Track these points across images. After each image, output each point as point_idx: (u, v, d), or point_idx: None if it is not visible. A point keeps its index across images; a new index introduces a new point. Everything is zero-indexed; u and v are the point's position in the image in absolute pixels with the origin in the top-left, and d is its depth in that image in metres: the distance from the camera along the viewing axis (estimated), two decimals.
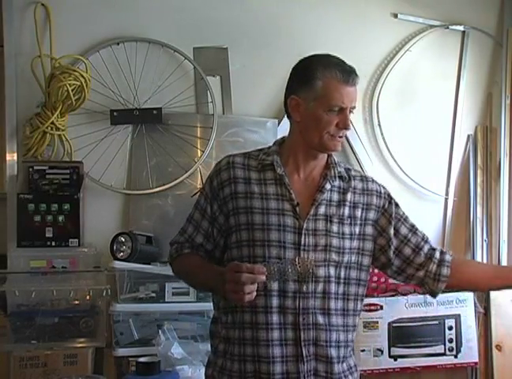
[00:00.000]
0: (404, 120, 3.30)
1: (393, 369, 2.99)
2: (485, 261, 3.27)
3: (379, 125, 3.24)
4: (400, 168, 3.25)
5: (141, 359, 2.38)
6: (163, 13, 3.00)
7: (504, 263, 3.28)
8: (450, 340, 3.04)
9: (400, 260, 1.77)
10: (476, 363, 3.09)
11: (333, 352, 1.65)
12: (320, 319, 1.63)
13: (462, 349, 3.04)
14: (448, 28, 3.36)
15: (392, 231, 1.76)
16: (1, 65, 2.86)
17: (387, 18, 3.29)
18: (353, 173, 1.78)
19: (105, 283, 2.60)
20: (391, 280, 3.08)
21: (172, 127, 2.96)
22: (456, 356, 3.04)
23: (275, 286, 1.60)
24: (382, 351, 2.98)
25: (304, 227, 1.63)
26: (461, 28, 3.37)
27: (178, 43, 2.98)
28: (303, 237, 1.62)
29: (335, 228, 1.66)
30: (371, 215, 1.74)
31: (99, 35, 2.92)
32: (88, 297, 2.62)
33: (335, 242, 1.65)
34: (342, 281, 1.67)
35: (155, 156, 2.94)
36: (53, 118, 2.74)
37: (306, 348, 1.61)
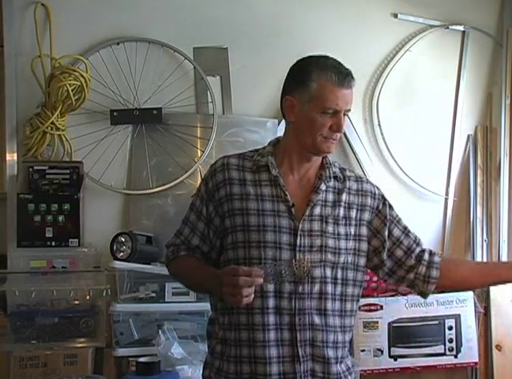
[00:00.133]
0: (404, 120, 3.30)
1: (393, 369, 2.99)
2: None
3: (379, 125, 3.24)
4: (400, 168, 3.25)
5: (141, 359, 2.38)
6: (163, 13, 3.00)
7: None
8: (450, 340, 3.04)
9: (391, 261, 1.77)
10: (476, 363, 3.09)
11: (331, 353, 1.65)
12: (316, 319, 1.63)
13: (462, 349, 3.04)
14: (448, 28, 3.36)
15: (386, 233, 1.76)
16: (1, 65, 2.86)
17: (387, 18, 3.29)
18: (348, 173, 1.77)
19: (105, 283, 2.61)
20: None
21: (172, 127, 2.96)
22: (456, 356, 3.04)
23: (271, 287, 1.60)
24: (382, 351, 2.98)
25: (300, 227, 1.63)
26: (461, 28, 3.37)
27: (178, 43, 2.98)
28: (298, 238, 1.62)
29: (330, 229, 1.66)
30: (366, 216, 1.74)
31: (99, 35, 2.92)
32: (88, 297, 2.62)
33: (330, 242, 1.65)
34: (339, 282, 1.67)
35: (155, 156, 2.94)
36: (53, 118, 2.74)
37: (303, 349, 1.61)
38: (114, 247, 2.67)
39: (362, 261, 1.74)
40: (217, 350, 1.68)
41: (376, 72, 3.28)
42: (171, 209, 2.90)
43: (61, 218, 2.71)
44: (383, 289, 3.01)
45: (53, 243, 2.69)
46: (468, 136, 3.40)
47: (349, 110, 1.67)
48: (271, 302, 1.61)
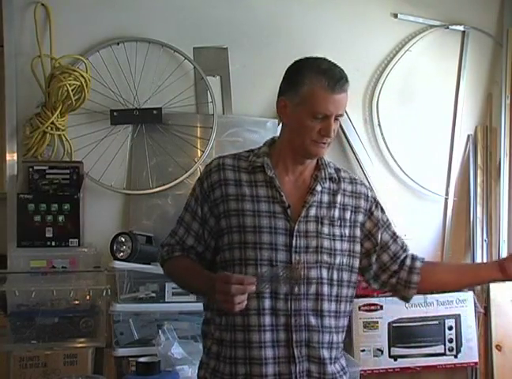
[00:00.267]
0: (404, 120, 3.30)
1: (393, 369, 2.99)
2: (485, 261, 3.27)
3: (379, 125, 3.24)
4: (400, 168, 3.25)
5: (141, 359, 2.38)
6: (163, 13, 3.00)
7: None
8: (450, 340, 3.04)
9: (377, 265, 1.78)
10: (476, 363, 3.09)
11: (326, 353, 1.65)
12: (312, 320, 1.63)
13: (462, 349, 3.04)
14: (448, 28, 3.36)
15: (379, 236, 1.77)
16: (1, 65, 2.87)
17: (387, 18, 3.29)
18: (343, 174, 1.77)
19: (105, 283, 2.61)
20: None
21: (172, 127, 2.96)
22: (456, 356, 3.04)
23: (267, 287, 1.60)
24: (382, 351, 2.98)
25: (295, 229, 1.63)
26: (461, 28, 3.37)
27: (178, 43, 2.98)
28: (294, 239, 1.62)
29: (326, 230, 1.66)
30: (360, 217, 1.75)
31: (99, 35, 2.92)
32: (88, 297, 2.62)
33: (326, 243, 1.65)
34: (335, 283, 1.67)
35: (155, 156, 2.94)
36: (53, 118, 2.74)
37: (299, 349, 1.62)
38: (114, 247, 2.67)
39: (356, 263, 1.74)
40: (213, 351, 1.68)
41: (376, 72, 3.28)
42: (171, 209, 2.90)
43: (61, 218, 2.71)
44: None
45: (53, 243, 2.69)
46: (468, 136, 3.40)
47: (341, 114, 1.64)
48: (267, 303, 1.61)
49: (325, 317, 1.65)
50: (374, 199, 1.81)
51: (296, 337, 1.61)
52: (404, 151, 3.27)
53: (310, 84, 1.59)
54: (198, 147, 2.98)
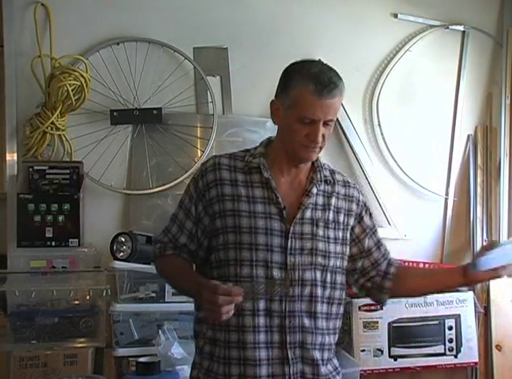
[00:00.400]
0: (404, 120, 3.31)
1: (393, 369, 2.99)
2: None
3: (379, 125, 3.24)
4: (400, 168, 3.26)
5: (141, 359, 2.38)
6: (163, 13, 3.00)
7: None
8: (450, 340, 3.04)
9: (359, 270, 1.80)
10: (476, 363, 3.09)
11: (318, 354, 1.65)
12: (306, 322, 1.64)
13: (462, 349, 3.04)
14: (448, 28, 3.36)
15: (366, 243, 1.78)
16: (1, 65, 2.86)
17: (387, 18, 3.29)
18: (337, 176, 1.77)
19: (105, 283, 2.60)
20: None
21: (172, 127, 2.96)
22: (456, 356, 3.04)
23: (262, 288, 1.60)
24: (382, 351, 2.98)
25: (291, 230, 1.63)
26: (461, 28, 3.37)
27: (178, 43, 2.98)
28: (289, 241, 1.63)
29: (321, 232, 1.67)
30: (351, 221, 1.75)
31: (99, 35, 2.92)
32: (88, 297, 2.62)
33: (321, 245, 1.66)
34: (329, 285, 1.68)
35: (155, 156, 2.94)
36: (53, 118, 2.74)
37: (292, 351, 1.62)
38: (114, 247, 2.67)
39: (346, 265, 1.76)
40: (206, 351, 1.67)
41: (376, 72, 3.28)
42: (171, 209, 2.86)
43: (61, 218, 2.71)
44: None
45: (53, 243, 2.69)
46: (468, 136, 3.41)
47: (332, 120, 1.62)
48: (261, 304, 1.61)
49: (318, 318, 1.66)
50: (365, 204, 1.80)
51: (290, 338, 1.62)
52: (404, 151, 3.27)
53: (299, 88, 1.58)
54: (198, 147, 2.98)
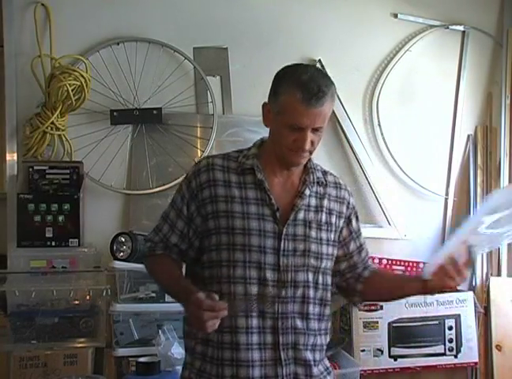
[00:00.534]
0: (404, 120, 3.31)
1: (393, 369, 2.99)
2: (485, 262, 3.28)
3: (379, 125, 3.24)
4: (400, 168, 3.25)
5: (141, 359, 2.38)
6: (163, 13, 3.00)
7: (504, 263, 3.28)
8: (450, 340, 3.04)
9: (340, 271, 1.80)
10: (476, 363, 3.09)
11: (310, 355, 1.66)
12: (298, 323, 1.64)
13: (462, 349, 3.04)
14: (448, 28, 3.36)
15: (351, 246, 1.78)
16: (1, 65, 2.87)
17: (387, 18, 3.29)
18: (329, 178, 1.77)
19: (105, 283, 2.60)
20: None
21: (172, 127, 2.96)
22: (456, 356, 3.04)
23: (254, 290, 1.61)
24: (382, 351, 2.98)
25: (284, 232, 1.63)
26: (461, 28, 3.37)
27: (178, 43, 2.98)
28: (282, 242, 1.62)
29: (313, 234, 1.67)
30: (341, 223, 1.75)
31: (99, 35, 2.92)
32: (88, 297, 2.62)
33: (313, 247, 1.66)
34: (321, 287, 1.68)
35: (155, 156, 2.94)
36: (53, 118, 2.74)
37: (285, 352, 1.62)
38: (114, 247, 2.66)
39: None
40: (198, 351, 1.67)
41: (376, 72, 3.28)
42: None
43: (61, 218, 2.71)
44: None
45: (53, 243, 2.69)
46: (468, 136, 3.41)
47: (320, 127, 1.59)
48: (252, 300, 1.61)
49: (310, 319, 1.66)
50: (354, 207, 1.80)
51: (283, 340, 1.62)
52: (404, 151, 3.27)
53: (287, 95, 1.57)
54: (198, 147, 2.98)
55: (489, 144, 3.38)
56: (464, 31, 3.38)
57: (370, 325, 2.98)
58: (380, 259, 3.13)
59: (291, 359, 1.63)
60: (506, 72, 3.36)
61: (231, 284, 1.60)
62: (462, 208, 3.36)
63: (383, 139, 3.25)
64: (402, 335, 3.00)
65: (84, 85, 2.71)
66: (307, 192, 1.68)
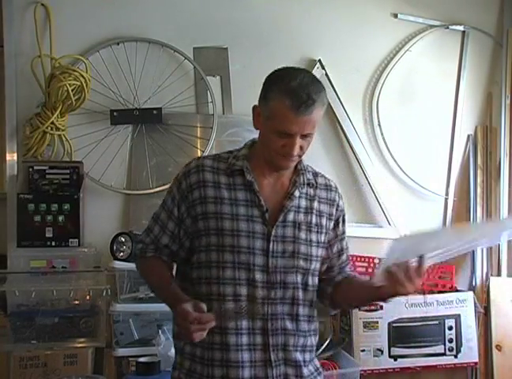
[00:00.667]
0: (404, 120, 3.31)
1: (393, 369, 2.99)
2: (485, 262, 3.28)
3: (379, 125, 3.24)
4: (400, 168, 3.26)
5: (141, 359, 2.38)
6: (163, 13, 3.00)
7: (504, 263, 3.28)
8: (450, 340, 3.04)
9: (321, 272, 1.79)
10: (476, 363, 3.09)
11: (300, 356, 1.66)
12: (288, 324, 1.64)
13: (462, 349, 3.04)
14: (448, 28, 3.36)
15: (335, 248, 1.77)
16: (1, 65, 2.87)
17: (387, 18, 3.29)
18: (319, 180, 1.76)
19: (105, 283, 2.60)
20: None
21: (172, 127, 2.96)
22: (456, 356, 3.04)
23: (243, 291, 1.61)
24: (382, 351, 2.98)
25: (273, 233, 1.63)
26: (461, 28, 3.37)
27: (178, 43, 2.98)
28: (271, 243, 1.62)
29: (303, 235, 1.66)
30: (331, 225, 1.75)
31: (99, 35, 2.92)
32: (88, 297, 2.62)
33: (303, 248, 1.66)
34: (310, 288, 1.68)
35: (155, 156, 2.94)
36: (53, 118, 2.74)
37: (275, 353, 1.62)
38: (114, 247, 2.67)
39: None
40: (187, 351, 1.67)
41: (376, 72, 3.28)
42: None
43: (61, 218, 2.71)
44: None
45: (53, 243, 2.69)
46: (468, 136, 3.41)
47: (309, 133, 1.58)
48: (241, 308, 1.61)
49: (300, 321, 1.66)
50: (343, 209, 1.79)
51: (273, 341, 1.62)
52: (404, 151, 3.27)
53: (276, 101, 1.56)
54: (198, 147, 2.98)
55: (489, 144, 3.38)
56: (464, 31, 3.38)
57: (370, 325, 2.98)
58: (380, 259, 3.13)
59: (281, 360, 1.63)
60: (506, 72, 3.36)
61: (221, 285, 1.61)
62: (462, 208, 3.36)
63: (383, 139, 3.25)
64: (402, 335, 3.00)
65: (84, 85, 2.71)
66: (297, 193, 1.68)
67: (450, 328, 3.04)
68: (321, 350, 2.79)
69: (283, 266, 1.63)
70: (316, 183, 1.74)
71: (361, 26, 3.24)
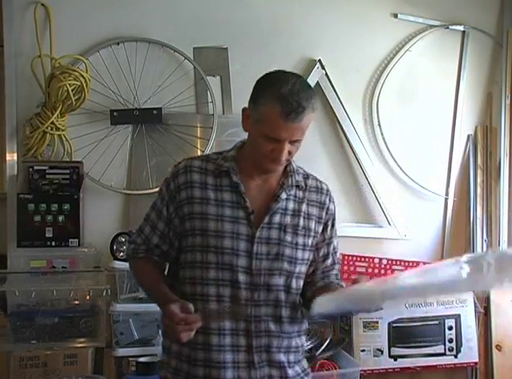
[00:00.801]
0: (404, 120, 3.31)
1: (393, 369, 2.99)
2: None
3: (379, 125, 3.24)
4: (400, 168, 3.26)
5: (141, 359, 2.38)
6: (163, 13, 3.00)
7: None
8: (450, 340, 3.04)
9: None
10: (476, 363, 3.09)
11: (284, 357, 1.66)
12: (272, 326, 1.64)
13: (462, 349, 3.04)
14: (448, 28, 3.36)
15: (321, 252, 1.76)
16: (1, 65, 2.86)
17: (387, 18, 3.29)
18: (310, 182, 1.74)
19: (105, 283, 2.60)
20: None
21: (172, 127, 2.96)
22: (456, 356, 3.04)
23: (227, 292, 1.61)
24: (382, 351, 2.98)
25: (257, 235, 1.63)
26: (461, 28, 3.37)
27: (178, 43, 2.98)
28: (255, 245, 1.62)
29: (289, 238, 1.66)
30: (319, 228, 1.74)
31: (99, 35, 2.92)
32: (88, 297, 2.62)
33: (288, 251, 1.65)
34: (294, 291, 1.68)
35: (155, 156, 2.94)
36: (53, 118, 2.74)
37: (259, 355, 1.63)
38: (114, 247, 2.67)
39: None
40: (174, 350, 1.68)
41: (376, 72, 3.28)
42: None
43: (61, 218, 2.71)
44: None
45: (53, 243, 2.69)
46: (468, 136, 3.41)
47: (298, 139, 1.58)
48: (226, 309, 1.61)
49: (284, 322, 1.66)
50: (333, 213, 1.77)
51: (256, 342, 1.62)
52: (404, 151, 3.27)
53: (267, 107, 1.55)
54: (198, 147, 2.98)
55: (489, 144, 3.38)
56: (464, 31, 3.38)
57: (370, 325, 2.98)
58: (380, 259, 3.13)
59: (264, 362, 1.64)
60: (506, 72, 3.36)
61: (204, 285, 1.62)
62: (462, 208, 3.36)
63: (383, 139, 3.25)
64: (402, 335, 3.00)
65: (84, 85, 2.71)
66: (283, 195, 1.67)
67: (450, 328, 3.04)
68: (321, 350, 2.79)
69: (267, 268, 1.63)
70: (306, 185, 1.73)
71: (361, 26, 3.24)
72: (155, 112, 2.91)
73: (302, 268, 1.69)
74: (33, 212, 2.68)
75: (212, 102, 3.00)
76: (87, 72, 2.76)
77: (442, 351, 3.03)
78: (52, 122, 2.75)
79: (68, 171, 2.79)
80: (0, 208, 2.86)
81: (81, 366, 2.51)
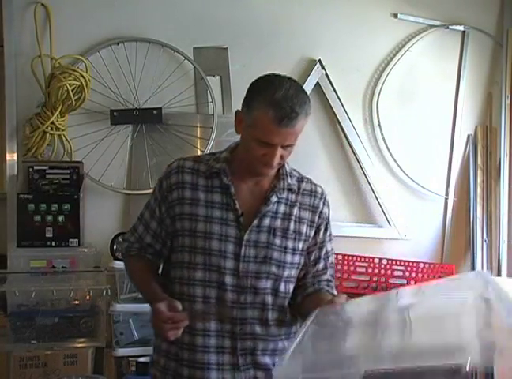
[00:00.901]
0: (404, 120, 3.31)
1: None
2: (485, 262, 3.27)
3: (379, 125, 3.24)
4: (401, 168, 3.26)
5: (141, 359, 2.38)
6: (163, 13, 3.00)
7: (504, 263, 3.28)
8: None
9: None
10: None
11: (269, 360, 1.65)
12: (258, 329, 1.64)
13: None
14: (448, 28, 3.36)
15: (313, 256, 1.74)
16: (1, 65, 2.87)
17: (387, 18, 3.29)
18: (304, 185, 1.72)
19: (105, 283, 2.61)
20: (391, 280, 3.09)
21: (172, 127, 2.96)
22: None
23: (213, 293, 1.61)
24: None
25: (245, 238, 1.62)
26: (461, 28, 3.37)
27: (178, 43, 2.98)
28: (243, 248, 1.62)
29: (278, 241, 1.65)
30: (311, 232, 1.72)
31: (99, 35, 2.92)
32: (88, 297, 2.62)
33: (276, 254, 1.64)
34: (281, 295, 1.67)
35: (155, 156, 2.94)
36: (53, 118, 2.74)
37: (243, 357, 1.62)
38: (114, 247, 2.67)
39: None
40: (163, 349, 1.69)
41: (376, 72, 3.28)
42: None
43: (61, 218, 2.71)
44: (383, 289, 3.01)
45: (53, 243, 2.69)
46: (468, 136, 3.41)
47: (291, 144, 1.57)
48: (213, 309, 1.61)
49: (270, 325, 1.65)
50: (327, 217, 1.75)
51: (241, 345, 1.62)
52: (404, 151, 3.27)
53: (260, 111, 1.54)
54: (198, 147, 2.98)
55: (489, 144, 3.38)
56: (464, 32, 3.38)
57: None
58: (380, 259, 3.13)
59: (249, 364, 1.63)
60: (506, 72, 3.36)
61: (191, 286, 1.62)
62: (462, 208, 3.36)
63: (383, 139, 3.25)
64: None
65: (84, 85, 2.71)
66: (274, 198, 1.66)
67: None
68: None
69: (254, 271, 1.62)
70: (299, 189, 1.71)
71: (361, 26, 3.24)
72: (155, 112, 2.91)
73: (292, 272, 1.68)
74: (33, 212, 2.68)
75: (212, 102, 3.00)
76: (87, 72, 2.76)
77: None
78: (52, 122, 2.75)
79: (68, 171, 2.79)
80: (0, 208, 2.86)
81: (81, 366, 2.51)
